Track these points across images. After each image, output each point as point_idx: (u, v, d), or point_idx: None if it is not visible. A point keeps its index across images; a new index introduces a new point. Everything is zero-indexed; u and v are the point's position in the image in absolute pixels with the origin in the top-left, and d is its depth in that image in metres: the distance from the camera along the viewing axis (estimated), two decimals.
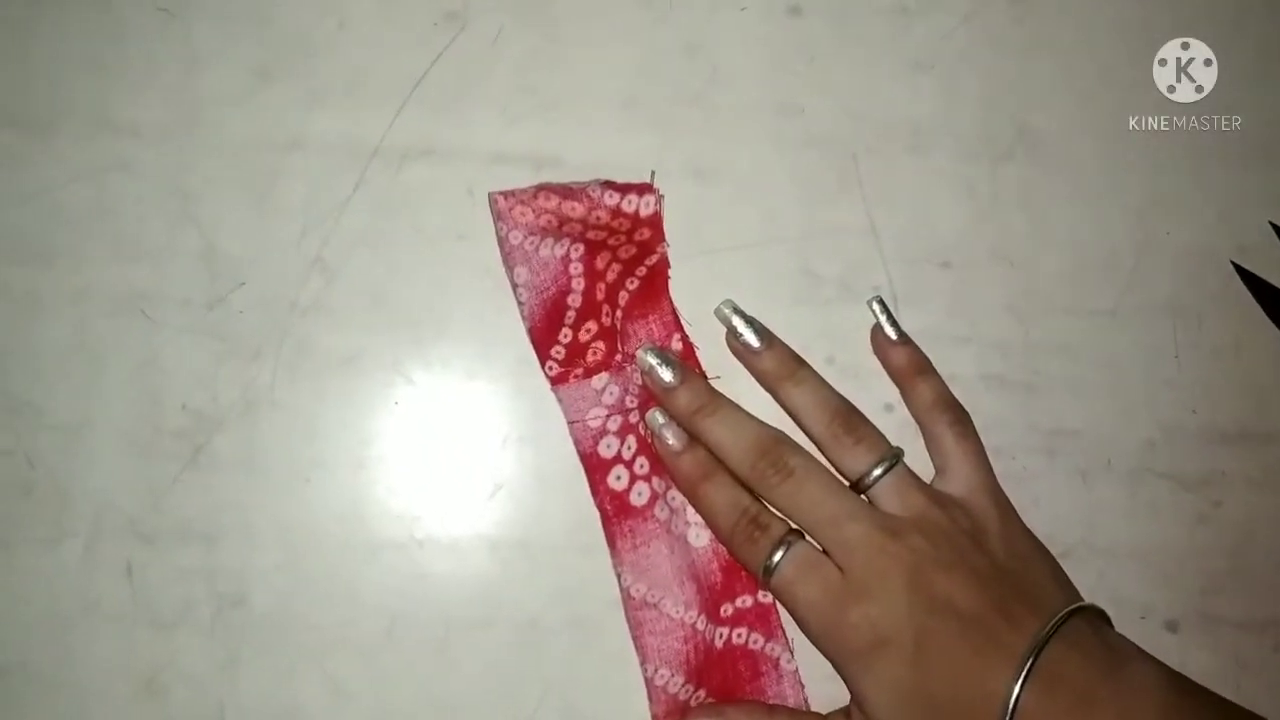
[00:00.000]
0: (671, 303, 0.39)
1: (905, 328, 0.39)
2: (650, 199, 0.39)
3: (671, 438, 0.37)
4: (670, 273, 0.39)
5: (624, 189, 0.39)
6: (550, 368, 0.38)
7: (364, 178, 0.39)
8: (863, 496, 0.36)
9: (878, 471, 0.36)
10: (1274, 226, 0.41)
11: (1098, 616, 0.35)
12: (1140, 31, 0.42)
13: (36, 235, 0.38)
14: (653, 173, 0.39)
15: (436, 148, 0.39)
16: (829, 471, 0.37)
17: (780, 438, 0.37)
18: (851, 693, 0.35)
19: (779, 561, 0.36)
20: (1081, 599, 0.36)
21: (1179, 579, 0.40)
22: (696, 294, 0.39)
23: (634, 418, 0.38)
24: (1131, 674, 0.34)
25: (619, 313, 0.39)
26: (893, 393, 0.40)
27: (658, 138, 0.40)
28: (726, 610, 0.38)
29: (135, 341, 0.38)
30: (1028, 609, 0.34)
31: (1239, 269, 0.41)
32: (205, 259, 0.38)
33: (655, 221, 0.39)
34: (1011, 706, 0.32)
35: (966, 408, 0.39)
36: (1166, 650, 0.39)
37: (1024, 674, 0.33)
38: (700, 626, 0.37)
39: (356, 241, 0.38)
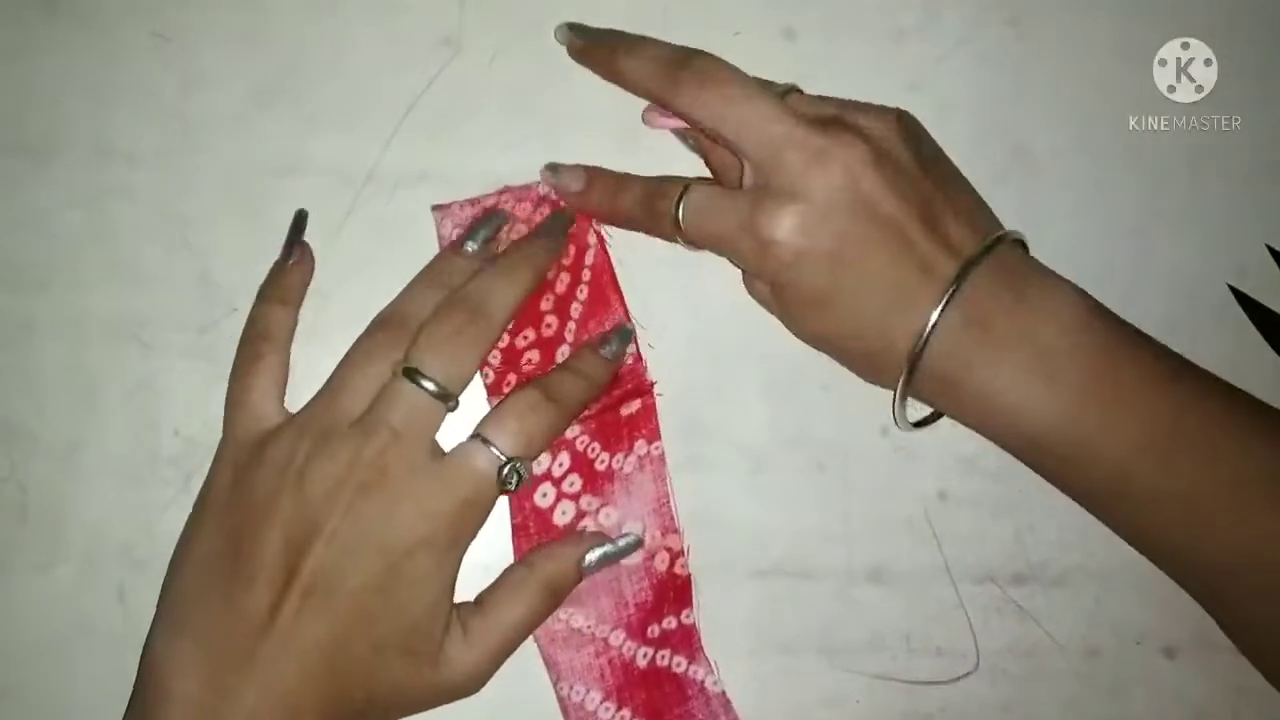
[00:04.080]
0: (622, 300, 0.39)
1: None
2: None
3: (571, 181, 0.38)
4: (615, 269, 0.39)
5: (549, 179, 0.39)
6: (486, 374, 0.38)
7: (358, 203, 0.39)
8: None
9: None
10: (1271, 250, 0.41)
11: (1021, 245, 0.36)
12: (1140, 32, 0.42)
13: (32, 260, 0.38)
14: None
15: (431, 173, 0.39)
16: (750, 76, 0.36)
17: (698, 51, 0.36)
18: (775, 310, 0.36)
19: (682, 201, 0.36)
20: (1003, 227, 0.36)
21: (1176, 605, 0.39)
22: (694, 319, 0.39)
23: (570, 433, 0.38)
24: (1050, 301, 0.34)
25: (572, 324, 0.39)
26: (887, 417, 0.39)
27: (654, 161, 0.40)
28: (653, 631, 0.38)
29: (129, 367, 0.38)
30: (959, 228, 0.35)
31: (1235, 292, 0.41)
32: (200, 284, 0.38)
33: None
34: (927, 333, 0.33)
35: (964, 432, 0.39)
36: (1163, 676, 0.39)
37: (945, 300, 0.33)
38: (615, 642, 0.37)
39: (350, 267, 0.38)
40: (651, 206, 0.37)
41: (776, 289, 0.36)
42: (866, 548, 0.39)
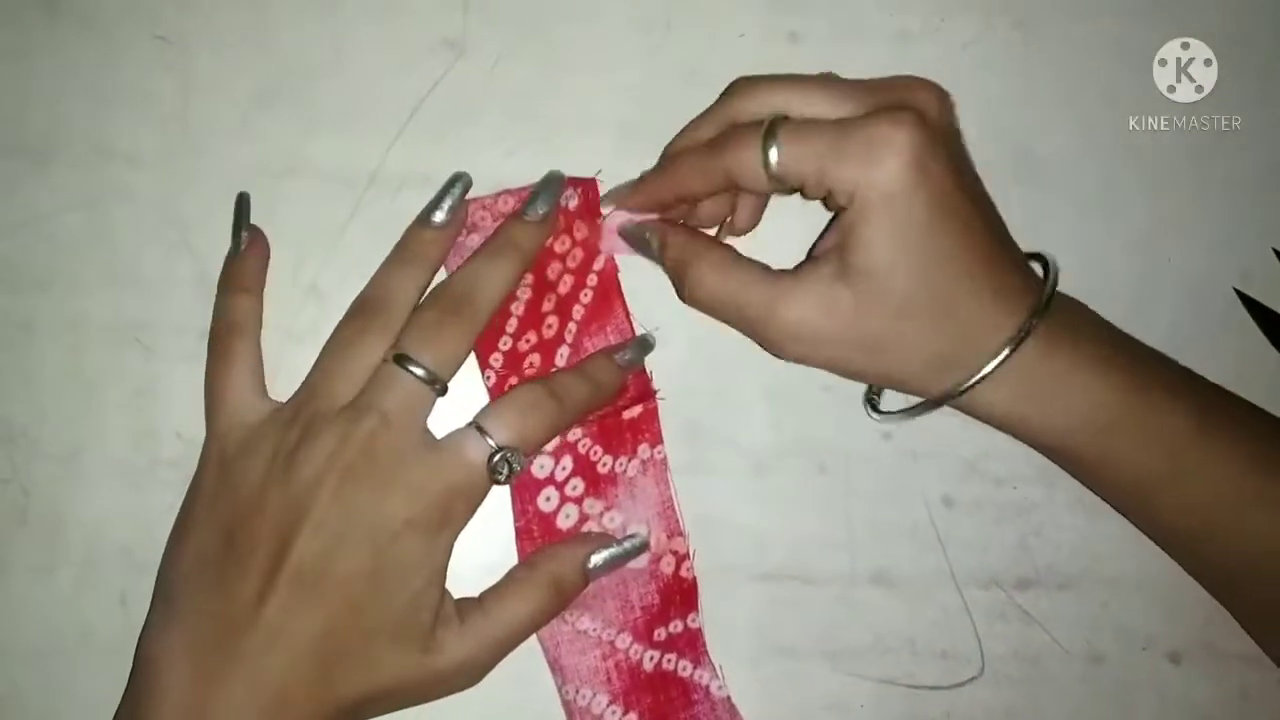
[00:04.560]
0: (625, 308, 0.39)
1: None
2: (574, 192, 0.39)
3: (622, 193, 0.38)
4: (620, 277, 0.39)
5: (565, 183, 0.39)
6: (488, 376, 0.38)
7: (360, 205, 0.39)
8: None
9: None
10: (1277, 253, 0.41)
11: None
12: (1140, 32, 0.42)
13: (32, 263, 0.38)
14: (599, 171, 0.39)
15: (434, 175, 0.39)
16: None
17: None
18: (854, 224, 0.33)
19: (773, 133, 0.33)
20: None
21: (1182, 610, 0.39)
22: (697, 324, 0.39)
23: (572, 436, 0.38)
24: (1086, 317, 0.36)
25: (573, 325, 0.38)
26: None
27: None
28: (660, 634, 0.38)
29: (130, 369, 0.38)
30: (1011, 250, 0.35)
31: (1241, 295, 0.41)
32: (200, 287, 0.38)
33: (588, 214, 0.39)
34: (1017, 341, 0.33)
35: (967, 436, 0.39)
36: (1168, 682, 0.39)
37: (1035, 318, 0.33)
38: (621, 645, 0.37)
39: (352, 269, 0.38)
40: (730, 150, 0.34)
41: (867, 233, 0.33)
42: (870, 552, 0.39)
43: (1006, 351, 0.33)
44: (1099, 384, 0.34)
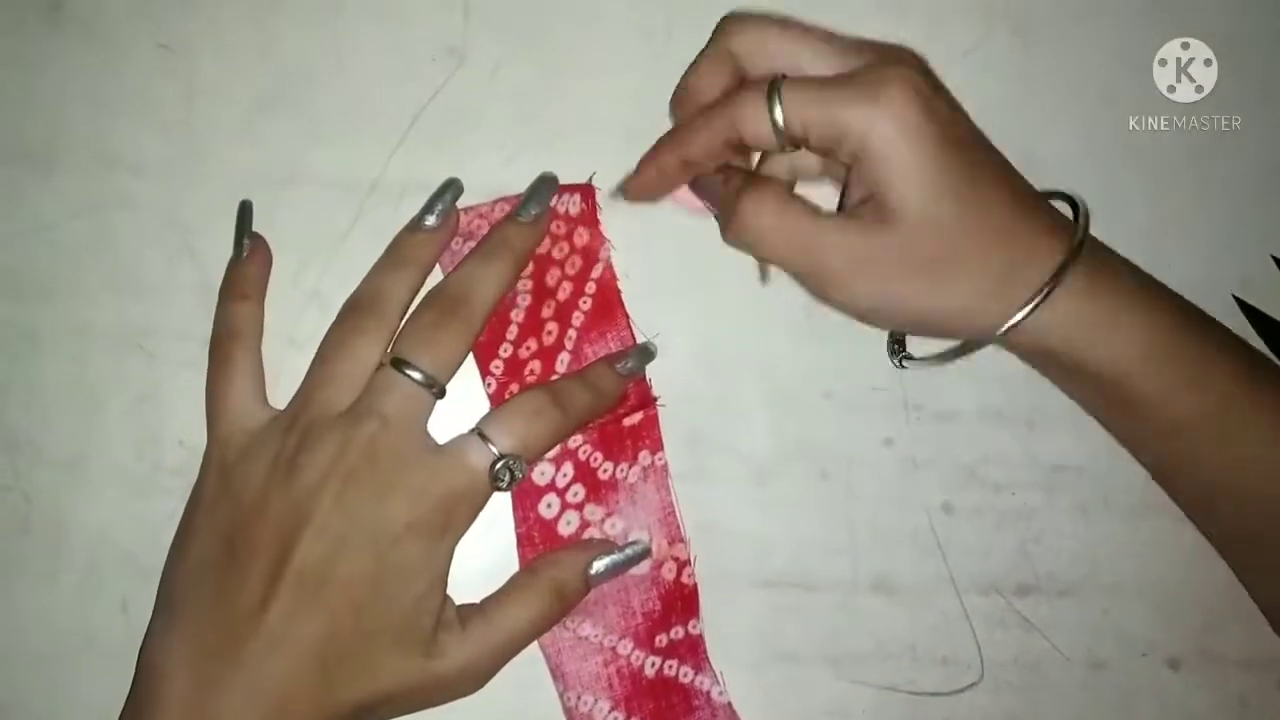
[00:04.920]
0: (626, 316, 0.39)
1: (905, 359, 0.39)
2: (575, 198, 0.39)
3: (628, 184, 0.37)
4: (620, 285, 0.39)
5: (559, 190, 0.39)
6: (489, 383, 0.38)
7: (362, 212, 0.39)
8: None
9: None
10: (1276, 260, 0.41)
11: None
12: (1140, 32, 0.42)
13: (36, 270, 0.38)
14: (592, 174, 0.39)
15: (435, 182, 0.39)
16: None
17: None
18: (876, 168, 0.32)
19: (778, 91, 0.33)
20: None
21: (1181, 617, 0.39)
22: (698, 330, 0.39)
23: (573, 443, 0.38)
24: (1126, 262, 0.36)
25: (573, 332, 0.38)
26: (891, 428, 0.40)
27: None
28: (661, 640, 0.38)
29: (133, 376, 0.38)
30: (1054, 223, 0.34)
31: (1240, 303, 0.41)
32: (203, 294, 0.38)
33: (588, 220, 0.39)
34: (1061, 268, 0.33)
35: (967, 443, 0.39)
36: (1168, 688, 0.39)
37: (1078, 244, 0.33)
38: (623, 651, 0.37)
39: (354, 276, 0.38)
40: (735, 111, 0.34)
41: (889, 182, 0.33)
42: (871, 558, 0.39)
43: (1053, 280, 0.32)
44: (1151, 318, 0.34)
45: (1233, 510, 0.36)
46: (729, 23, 0.36)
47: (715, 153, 0.35)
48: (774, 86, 0.33)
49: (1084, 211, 0.34)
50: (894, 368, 0.39)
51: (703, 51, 0.36)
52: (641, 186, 0.37)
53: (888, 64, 0.33)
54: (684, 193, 0.38)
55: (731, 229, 0.35)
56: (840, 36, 0.35)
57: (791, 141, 0.34)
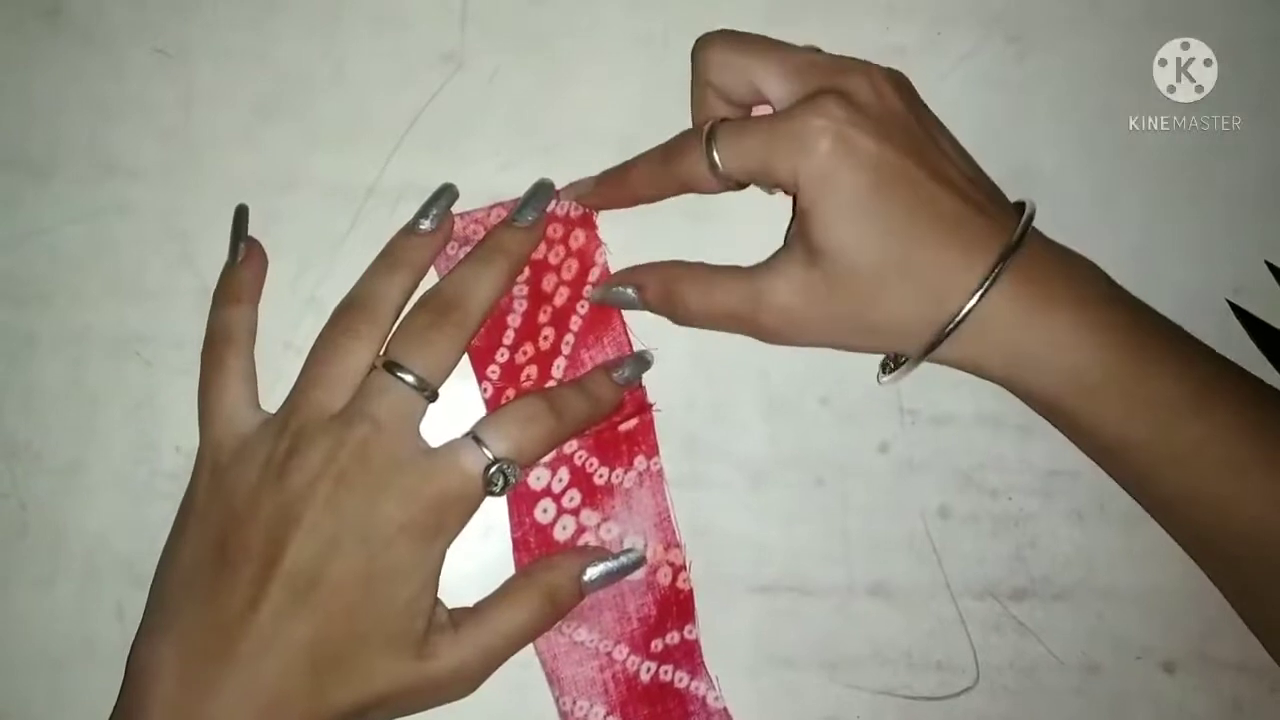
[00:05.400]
0: (623, 322, 0.39)
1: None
2: (572, 202, 0.39)
3: (581, 188, 0.39)
4: None
5: (557, 194, 0.39)
6: (485, 388, 0.38)
7: (359, 217, 0.39)
8: None
9: None
10: (1270, 266, 0.41)
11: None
12: (1140, 32, 0.42)
13: (33, 276, 0.38)
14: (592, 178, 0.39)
15: (432, 187, 0.39)
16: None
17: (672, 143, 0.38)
18: (803, 212, 0.34)
19: (714, 135, 0.35)
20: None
21: (1176, 620, 0.40)
22: (694, 335, 0.39)
23: (568, 448, 0.38)
24: (1077, 267, 0.36)
25: (570, 337, 0.39)
26: (887, 433, 0.40)
27: None
28: (657, 645, 0.38)
29: (130, 383, 0.38)
30: (996, 202, 0.35)
31: (1235, 309, 0.41)
32: (201, 300, 0.38)
33: (586, 223, 0.39)
34: (972, 305, 0.33)
35: (963, 448, 0.39)
36: (1163, 692, 0.39)
37: (994, 275, 0.33)
38: (619, 656, 0.37)
39: (350, 281, 0.38)
40: (677, 157, 0.36)
41: (818, 210, 0.34)
42: (867, 563, 0.40)
43: (975, 299, 0.33)
44: (1086, 342, 0.34)
45: (1195, 528, 0.37)
46: (697, 50, 0.37)
47: (661, 194, 0.38)
48: (710, 135, 0.35)
49: (1024, 218, 0.35)
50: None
51: (692, 88, 0.38)
52: (589, 203, 0.39)
53: (813, 106, 0.34)
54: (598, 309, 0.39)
55: (678, 321, 0.38)
56: (794, 54, 0.36)
57: (734, 184, 0.36)
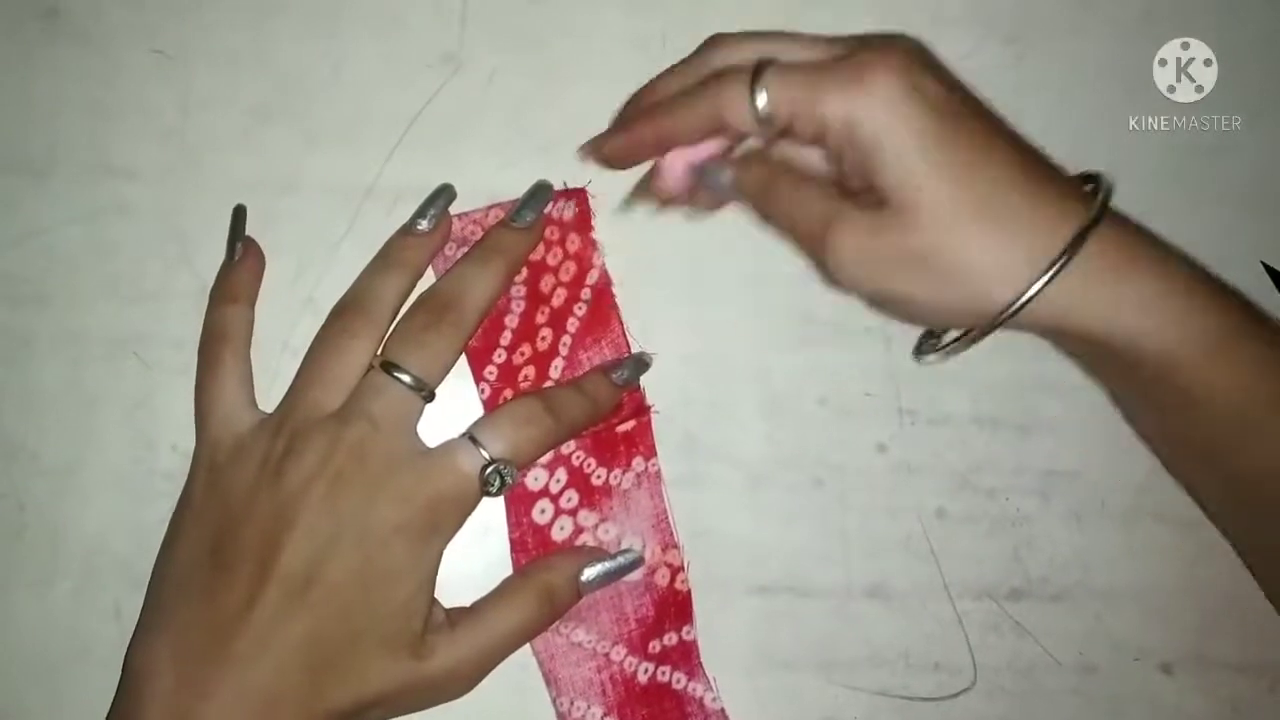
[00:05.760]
0: (621, 323, 0.39)
1: (900, 367, 0.39)
2: (569, 203, 0.39)
3: (607, 141, 0.37)
4: (615, 291, 0.39)
5: (555, 196, 0.39)
6: (483, 389, 0.38)
7: (357, 218, 0.39)
8: None
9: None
10: (1266, 267, 0.41)
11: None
12: (1140, 31, 0.42)
13: (31, 277, 0.38)
14: (590, 180, 0.39)
15: (429, 188, 0.39)
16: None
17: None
18: (868, 154, 0.32)
19: (761, 82, 0.33)
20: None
21: (1175, 621, 0.40)
22: (692, 336, 0.39)
23: (566, 448, 0.38)
24: (1145, 235, 0.33)
25: (568, 338, 0.39)
26: (885, 434, 0.40)
27: None
28: (654, 647, 0.38)
29: (128, 383, 0.38)
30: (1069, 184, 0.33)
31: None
32: (199, 301, 0.38)
33: (580, 226, 0.39)
34: (1056, 269, 0.31)
35: (961, 449, 0.39)
36: (1161, 693, 0.39)
37: (1095, 215, 0.32)
38: (616, 657, 0.38)
39: (348, 282, 0.38)
40: (713, 94, 0.34)
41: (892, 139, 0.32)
42: (864, 564, 0.40)
43: (1066, 254, 0.31)
44: (1185, 288, 0.32)
45: (1225, 478, 0.35)
46: (717, 38, 0.36)
47: (694, 135, 0.35)
48: (758, 70, 0.33)
49: (1106, 186, 0.33)
50: (916, 362, 0.38)
51: (686, 61, 0.36)
52: (614, 153, 0.37)
53: (875, 48, 0.32)
54: (676, 177, 0.36)
55: (765, 210, 0.35)
56: (827, 36, 0.35)
57: (775, 129, 0.33)
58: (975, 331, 0.33)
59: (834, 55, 0.33)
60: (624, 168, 0.37)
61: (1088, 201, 0.32)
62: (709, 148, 0.35)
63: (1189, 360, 0.32)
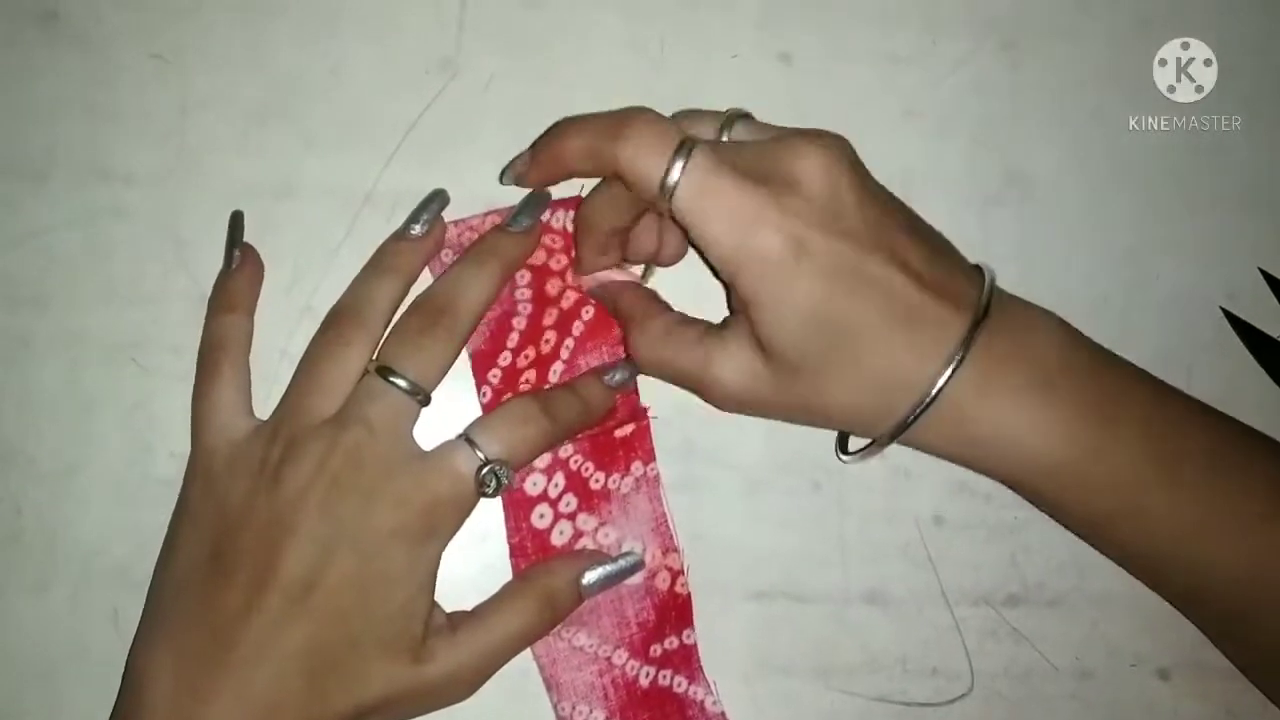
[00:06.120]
0: (619, 331, 0.39)
1: None
2: (569, 213, 0.39)
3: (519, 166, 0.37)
4: None
5: (553, 205, 0.39)
6: (484, 392, 0.38)
7: (355, 224, 0.39)
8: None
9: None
10: (1263, 273, 0.41)
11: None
12: (1140, 31, 0.42)
13: (29, 281, 0.38)
14: (582, 186, 0.39)
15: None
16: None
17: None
18: (747, 305, 0.33)
19: (686, 157, 0.32)
20: (963, 258, 0.36)
21: (1171, 627, 0.39)
22: None
23: (564, 452, 0.38)
24: (1037, 334, 0.34)
25: (570, 341, 0.39)
26: None
27: None
28: (655, 650, 0.38)
29: (125, 388, 0.38)
30: (942, 271, 0.33)
31: (1228, 315, 0.41)
32: (197, 305, 0.38)
33: None
34: (937, 390, 0.32)
35: None
36: (1158, 699, 0.39)
37: (958, 359, 0.32)
38: (618, 661, 0.38)
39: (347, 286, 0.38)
40: (633, 147, 0.33)
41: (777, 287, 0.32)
42: (862, 570, 0.40)
43: (934, 391, 0.32)
44: (1045, 422, 0.33)
45: (1173, 588, 0.36)
46: (635, 120, 0.34)
47: (585, 165, 0.35)
48: (686, 147, 0.32)
49: (984, 297, 0.33)
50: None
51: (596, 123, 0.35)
52: (519, 172, 0.37)
53: (770, 194, 0.32)
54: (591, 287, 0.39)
55: (634, 352, 0.37)
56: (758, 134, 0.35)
57: (664, 211, 0.33)
58: (874, 445, 0.35)
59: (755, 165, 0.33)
60: (539, 188, 0.38)
61: (967, 319, 0.33)
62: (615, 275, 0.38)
63: (1037, 484, 0.34)
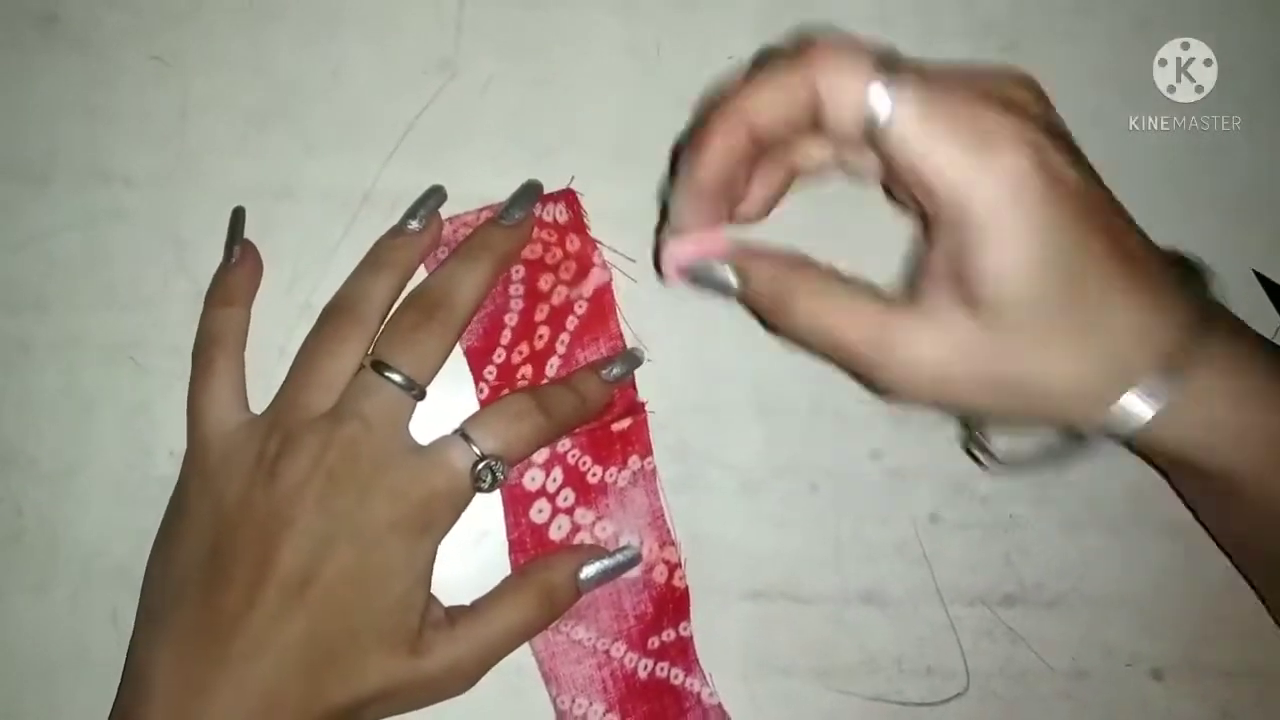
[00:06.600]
0: (619, 322, 0.39)
1: None
2: (560, 206, 0.39)
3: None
4: (616, 294, 0.39)
5: (544, 199, 0.39)
6: (481, 389, 0.39)
7: (354, 224, 0.39)
8: None
9: None
10: (1258, 275, 0.41)
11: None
12: (1140, 32, 0.42)
13: (29, 283, 0.38)
14: (572, 177, 0.39)
15: None
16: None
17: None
18: (972, 247, 0.28)
19: (894, 83, 0.28)
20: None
21: (1166, 628, 0.40)
22: (688, 340, 0.39)
23: (562, 447, 0.38)
24: (1243, 345, 0.30)
25: (565, 336, 0.39)
26: (879, 440, 0.40)
27: (648, 187, 0.40)
28: (653, 642, 0.38)
29: (125, 389, 0.38)
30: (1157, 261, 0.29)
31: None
32: (196, 306, 0.38)
33: (577, 226, 0.39)
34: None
35: (954, 455, 0.39)
36: (1152, 699, 0.39)
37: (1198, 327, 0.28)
38: (616, 654, 0.38)
39: None
40: (826, 81, 0.28)
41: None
42: (859, 570, 0.40)
43: (1164, 385, 0.28)
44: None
45: None
46: (826, 52, 0.29)
47: (775, 121, 0.30)
48: (886, 63, 0.28)
49: (1211, 284, 0.30)
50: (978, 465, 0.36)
51: (773, 66, 0.30)
52: (689, 223, 0.32)
53: (997, 103, 0.28)
54: (676, 277, 0.34)
55: (786, 324, 0.32)
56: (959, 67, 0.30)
57: (867, 144, 0.29)
58: (1062, 449, 0.31)
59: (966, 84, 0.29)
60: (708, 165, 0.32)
61: (1188, 312, 0.29)
62: (709, 244, 0.32)
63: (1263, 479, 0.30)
